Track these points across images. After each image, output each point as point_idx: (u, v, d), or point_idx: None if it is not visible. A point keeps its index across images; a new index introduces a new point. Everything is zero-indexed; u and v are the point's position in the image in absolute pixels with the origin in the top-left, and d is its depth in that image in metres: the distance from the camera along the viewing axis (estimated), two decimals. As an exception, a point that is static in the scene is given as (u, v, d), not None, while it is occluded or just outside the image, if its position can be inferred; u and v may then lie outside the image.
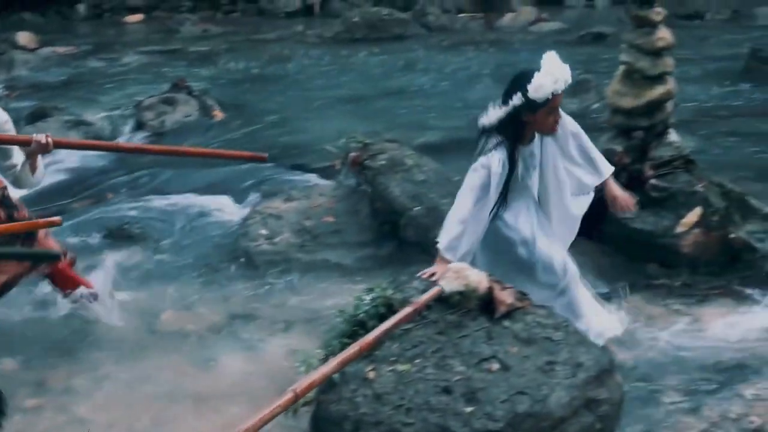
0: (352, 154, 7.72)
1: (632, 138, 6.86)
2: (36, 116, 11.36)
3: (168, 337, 6.00)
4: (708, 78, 13.33)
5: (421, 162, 7.69)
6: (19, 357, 5.69)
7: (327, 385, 4.21)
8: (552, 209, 5.22)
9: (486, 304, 4.55)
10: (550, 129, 4.96)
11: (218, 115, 12.08)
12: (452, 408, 4.05)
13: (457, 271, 4.64)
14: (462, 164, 8.50)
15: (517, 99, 4.78)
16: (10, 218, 5.56)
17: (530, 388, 4.15)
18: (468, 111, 11.81)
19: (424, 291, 4.57)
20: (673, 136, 6.94)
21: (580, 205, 5.29)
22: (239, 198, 8.73)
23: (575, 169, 5.22)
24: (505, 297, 4.59)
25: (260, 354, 5.71)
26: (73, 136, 10.40)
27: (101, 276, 6.48)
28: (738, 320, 5.98)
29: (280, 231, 7.35)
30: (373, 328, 4.39)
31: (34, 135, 5.46)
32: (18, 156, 5.61)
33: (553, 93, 4.74)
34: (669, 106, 6.91)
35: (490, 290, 4.58)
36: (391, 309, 4.53)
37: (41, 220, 5.35)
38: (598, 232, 6.60)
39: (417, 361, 4.28)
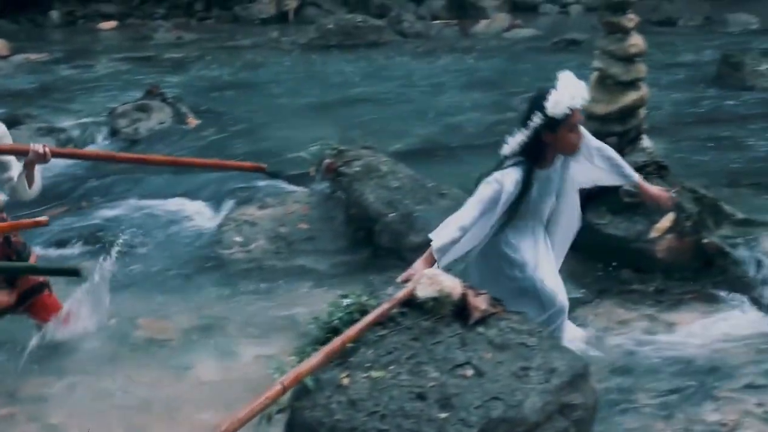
0: (327, 161, 7.72)
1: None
2: (8, 123, 11.10)
3: (142, 345, 5.98)
4: (680, 84, 13.41)
5: (395, 168, 7.70)
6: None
7: (301, 391, 4.20)
8: (558, 231, 5.26)
9: (460, 310, 4.55)
10: (573, 148, 4.95)
11: (192, 122, 12.04)
12: (426, 414, 4.05)
13: (431, 277, 4.64)
14: (437, 170, 8.58)
15: (537, 119, 4.78)
16: None
17: (504, 394, 4.15)
18: (443, 117, 11.88)
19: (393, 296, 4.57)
20: (646, 141, 6.98)
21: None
22: (213, 205, 8.71)
23: (604, 177, 5.30)
24: (479, 303, 4.59)
25: (234, 361, 5.70)
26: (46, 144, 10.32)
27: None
28: (711, 324, 6.02)
29: (254, 238, 7.34)
30: (348, 335, 4.39)
31: (32, 144, 5.41)
32: (16, 168, 5.54)
33: (570, 109, 4.75)
34: (642, 112, 6.96)
35: (464, 296, 4.58)
36: (365, 315, 4.53)
37: (27, 221, 5.32)
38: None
39: (391, 367, 4.27)
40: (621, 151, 6.79)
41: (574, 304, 5.58)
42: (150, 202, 8.91)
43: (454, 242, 4.86)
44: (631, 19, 6.69)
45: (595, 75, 6.87)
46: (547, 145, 4.87)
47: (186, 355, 5.78)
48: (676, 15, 20.45)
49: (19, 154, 5.48)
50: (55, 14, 23.29)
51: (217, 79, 15.80)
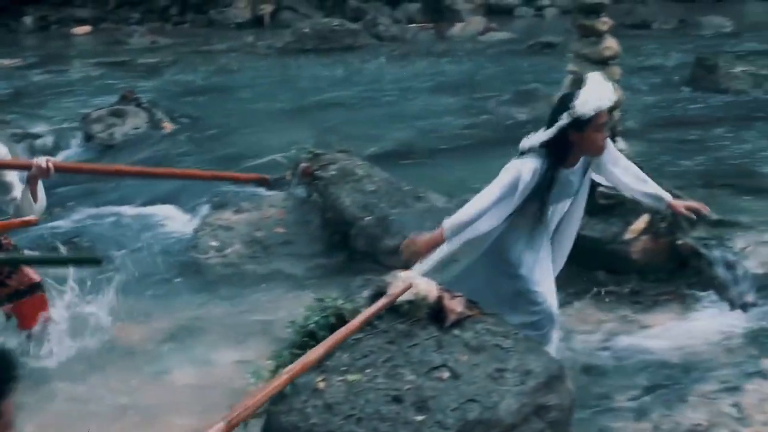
0: (303, 165, 7.72)
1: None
2: (-20, 130, 11.21)
3: (118, 351, 5.95)
4: (655, 87, 13.46)
5: (371, 172, 7.71)
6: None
7: (277, 396, 4.20)
8: (564, 239, 5.31)
9: (436, 313, 4.56)
10: (598, 149, 4.99)
11: (168, 127, 11.99)
12: (403, 417, 4.05)
13: (406, 280, 4.65)
14: (412, 174, 8.59)
15: (565, 118, 4.81)
16: None
17: (480, 396, 4.16)
18: (418, 121, 11.89)
19: (373, 299, 4.58)
20: (621, 143, 7.00)
21: None
22: (189, 210, 8.68)
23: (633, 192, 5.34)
24: (455, 306, 4.60)
25: (211, 366, 5.68)
26: (20, 150, 10.30)
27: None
28: (686, 325, 6.06)
29: (230, 242, 7.33)
30: (324, 338, 4.39)
31: (35, 159, 5.34)
32: (18, 187, 5.48)
33: (598, 109, 4.79)
34: (616, 114, 6.98)
35: (440, 299, 4.59)
36: (341, 319, 4.53)
37: (16, 220, 5.29)
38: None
39: (367, 370, 4.28)
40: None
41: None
42: (125, 208, 8.87)
43: (467, 224, 4.89)
44: (605, 22, 6.71)
45: (569, 78, 6.89)
46: (573, 144, 4.90)
47: (162, 361, 5.76)
48: (650, 18, 20.53)
49: (22, 169, 5.44)
50: (28, 19, 23.15)
51: (193, 83, 15.76)
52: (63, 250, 7.38)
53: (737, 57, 13.91)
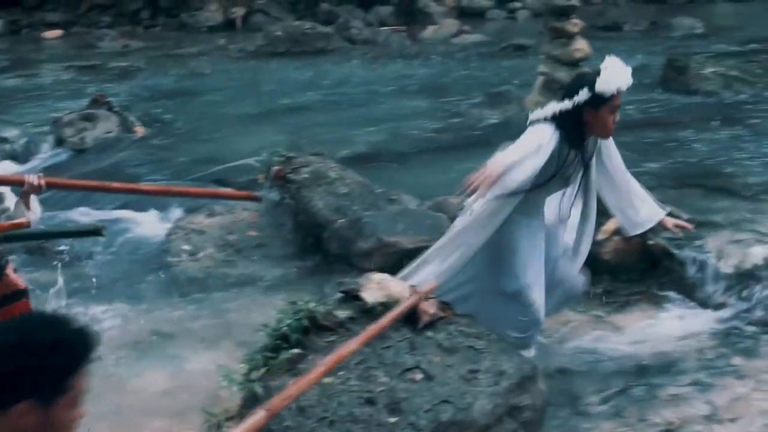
0: (275, 168, 7.71)
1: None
2: (-48, 134, 11.14)
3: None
4: (626, 88, 13.49)
5: (344, 174, 7.71)
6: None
7: (250, 399, 4.19)
8: (585, 231, 5.41)
9: (409, 315, 4.57)
10: (608, 131, 5.09)
11: (139, 131, 11.93)
12: (376, 419, 4.06)
13: (379, 282, 4.66)
14: (385, 176, 8.59)
15: (583, 94, 4.86)
16: None
17: (453, 397, 4.17)
18: (391, 123, 11.89)
19: (343, 302, 4.59)
20: (591, 145, 7.03)
21: None
22: (162, 214, 8.64)
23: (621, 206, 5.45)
24: (428, 307, 4.61)
25: (183, 369, 5.66)
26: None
27: None
28: (658, 325, 6.09)
29: (203, 246, 7.31)
30: (297, 341, 4.40)
31: (27, 176, 5.35)
32: (11, 199, 5.47)
33: (617, 90, 4.87)
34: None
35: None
36: (314, 322, 4.53)
37: (6, 223, 5.27)
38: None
39: (340, 373, 4.28)
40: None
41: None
42: (97, 212, 8.82)
43: (512, 167, 4.83)
44: (575, 24, 6.76)
45: (540, 79, 6.94)
46: (585, 123, 4.97)
47: (135, 364, 5.74)
48: (621, 20, 20.62)
49: (13, 185, 5.44)
50: (-1, 23, 23.04)
51: (164, 87, 15.69)
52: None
53: (707, 58, 13.99)
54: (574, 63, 6.78)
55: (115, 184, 7.91)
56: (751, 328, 5.85)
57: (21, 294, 5.66)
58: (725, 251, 6.48)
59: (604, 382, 5.36)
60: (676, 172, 9.29)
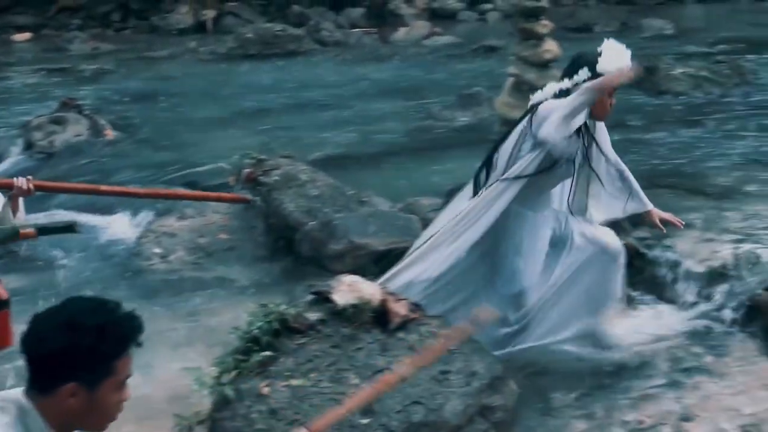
0: (246, 170, 7.69)
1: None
2: None
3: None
4: (596, 89, 13.53)
5: (315, 176, 7.70)
6: None
7: (221, 402, 4.18)
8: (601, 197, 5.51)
9: (380, 316, 4.57)
10: (605, 112, 5.16)
11: (110, 134, 11.86)
12: (348, 420, 4.05)
13: (350, 284, 4.66)
14: (356, 178, 8.58)
15: (583, 74, 4.89)
16: None
17: (425, 398, 4.18)
18: (362, 125, 11.89)
19: (314, 304, 4.58)
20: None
21: None
22: (132, 217, 8.59)
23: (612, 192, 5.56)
24: (399, 309, 4.62)
25: (154, 373, 5.61)
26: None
27: None
28: (628, 324, 6.09)
29: (174, 249, 7.28)
30: (268, 344, 4.38)
31: (15, 179, 5.34)
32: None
33: (619, 70, 4.90)
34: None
35: (384, 302, 4.60)
36: (285, 324, 4.52)
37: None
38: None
39: (312, 375, 4.28)
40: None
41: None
42: (67, 216, 8.75)
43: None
44: (544, 26, 6.77)
45: (510, 80, 6.95)
46: None
47: (105, 369, 5.68)
48: (592, 21, 20.72)
49: (2, 188, 5.40)
50: (-33, 27, 22.86)
51: (135, 90, 15.61)
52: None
53: (677, 59, 14.06)
54: (543, 64, 6.79)
55: (104, 187, 7.93)
56: (722, 327, 5.88)
57: (2, 304, 5.61)
58: (695, 251, 6.52)
59: (576, 380, 5.36)
60: (645, 172, 9.29)
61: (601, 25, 20.34)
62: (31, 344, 2.53)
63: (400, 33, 20.77)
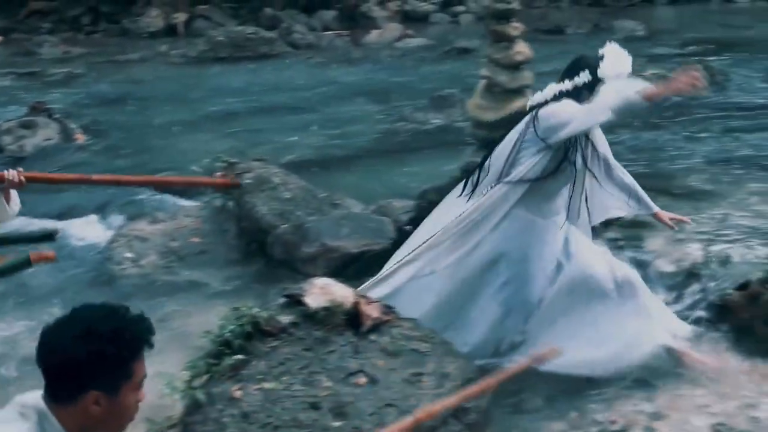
0: (218, 174, 7.66)
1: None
2: None
3: (30, 367, 5.81)
4: (568, 90, 13.58)
5: (287, 180, 7.69)
6: None
7: (193, 407, 4.16)
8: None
9: (352, 319, 4.57)
10: None
11: (80, 138, 11.82)
12: (321, 423, 4.05)
13: (322, 287, 4.65)
14: (329, 181, 8.57)
15: (584, 76, 4.88)
16: None
17: (398, 400, 4.18)
18: (334, 128, 11.89)
19: (286, 307, 4.57)
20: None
21: None
22: (103, 221, 8.55)
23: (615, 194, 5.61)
24: (371, 311, 4.61)
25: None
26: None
27: None
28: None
29: (145, 253, 7.25)
30: (240, 347, 4.37)
31: (6, 172, 5.30)
32: None
33: (619, 74, 4.93)
34: (529, 118, 7.03)
35: (357, 305, 4.60)
36: (257, 327, 4.51)
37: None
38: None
39: (284, 378, 4.27)
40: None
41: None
42: (37, 220, 8.69)
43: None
44: (516, 28, 6.76)
45: (482, 83, 6.93)
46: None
47: (76, 375, 5.65)
48: (564, 23, 20.80)
49: None
50: (-65, 30, 22.67)
51: (106, 93, 15.55)
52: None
53: (649, 60, 14.13)
54: (515, 66, 6.78)
55: (95, 177, 7.89)
56: (692, 327, 5.91)
57: None
58: (666, 251, 6.54)
59: (548, 381, 5.36)
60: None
61: (573, 27, 20.44)
62: (48, 357, 2.58)
63: (373, 35, 20.79)
